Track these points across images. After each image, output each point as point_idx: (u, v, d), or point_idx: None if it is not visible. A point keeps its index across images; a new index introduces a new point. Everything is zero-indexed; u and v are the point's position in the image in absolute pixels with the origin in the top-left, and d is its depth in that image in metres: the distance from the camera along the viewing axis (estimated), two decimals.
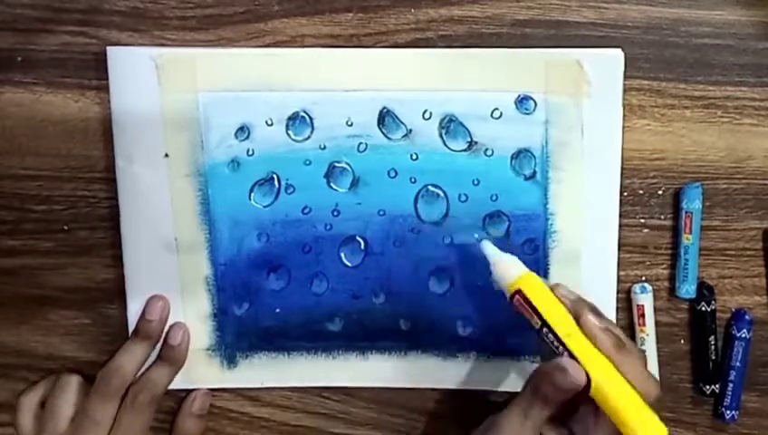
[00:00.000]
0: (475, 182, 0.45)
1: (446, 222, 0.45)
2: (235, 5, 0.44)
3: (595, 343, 0.37)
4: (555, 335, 0.37)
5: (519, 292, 0.39)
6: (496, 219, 0.45)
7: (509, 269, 0.40)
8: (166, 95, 0.43)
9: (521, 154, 0.44)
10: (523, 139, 0.44)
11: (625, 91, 0.44)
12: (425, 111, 0.44)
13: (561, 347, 0.37)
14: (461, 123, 0.44)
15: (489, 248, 0.42)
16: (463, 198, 0.45)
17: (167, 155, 0.44)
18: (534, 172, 0.44)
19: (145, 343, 0.45)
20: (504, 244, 0.44)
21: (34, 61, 0.45)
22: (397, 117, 0.44)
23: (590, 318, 0.37)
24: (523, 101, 0.44)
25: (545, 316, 0.38)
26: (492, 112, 0.44)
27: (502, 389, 0.47)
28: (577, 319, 0.38)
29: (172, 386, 0.47)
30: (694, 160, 0.45)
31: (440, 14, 0.44)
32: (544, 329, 0.38)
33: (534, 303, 0.38)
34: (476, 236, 0.45)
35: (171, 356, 0.46)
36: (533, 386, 0.37)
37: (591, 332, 0.37)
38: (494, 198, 0.45)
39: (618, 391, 0.36)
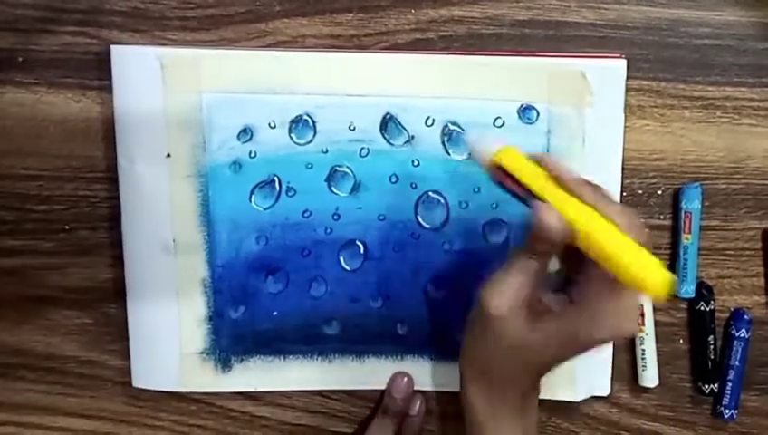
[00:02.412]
0: (476, 190, 0.45)
1: (446, 228, 0.45)
2: (235, 6, 0.44)
3: (576, 194, 0.35)
4: (535, 196, 0.35)
5: (499, 166, 0.37)
6: (496, 227, 0.45)
7: (489, 147, 0.37)
8: (169, 95, 0.43)
9: None
10: (524, 148, 0.43)
11: (625, 91, 0.44)
12: (427, 118, 0.44)
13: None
14: (463, 131, 0.44)
15: (470, 136, 0.41)
16: (463, 205, 0.45)
17: (168, 155, 0.44)
18: None
19: (393, 419, 0.46)
20: (503, 251, 0.45)
21: (35, 61, 0.45)
22: (399, 123, 0.44)
23: (567, 172, 0.35)
24: (525, 111, 0.44)
25: (523, 179, 0.36)
26: (494, 121, 0.44)
27: None
28: (556, 179, 0.36)
29: (167, 388, 0.47)
30: (693, 160, 0.45)
31: (440, 15, 0.44)
32: (525, 192, 0.36)
33: (513, 169, 0.36)
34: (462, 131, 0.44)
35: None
36: (524, 244, 0.36)
37: (570, 184, 0.35)
38: (494, 205, 0.45)
39: (608, 236, 0.33)
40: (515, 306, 0.36)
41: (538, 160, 0.36)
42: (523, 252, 0.37)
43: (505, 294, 0.36)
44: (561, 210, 0.34)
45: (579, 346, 0.36)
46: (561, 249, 0.35)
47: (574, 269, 0.37)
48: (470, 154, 0.41)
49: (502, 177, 0.37)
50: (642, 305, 0.46)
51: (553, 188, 0.35)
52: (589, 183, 0.35)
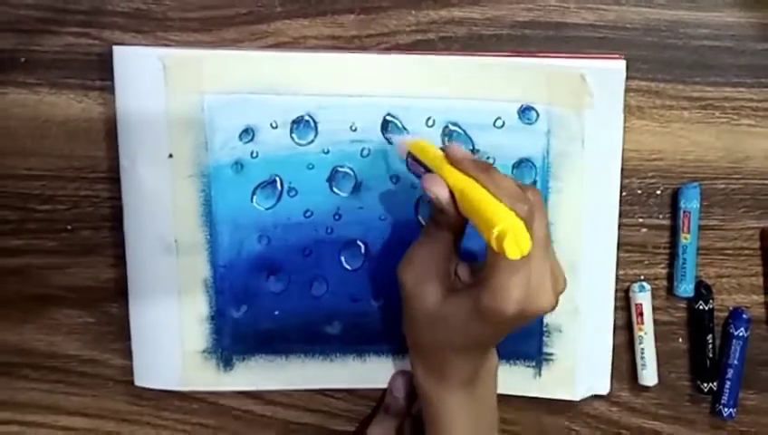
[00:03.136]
0: None
1: None
2: (237, 7, 0.44)
3: (460, 167, 0.36)
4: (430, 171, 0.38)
5: (409, 154, 0.41)
6: None
7: (404, 140, 0.42)
8: (171, 96, 0.44)
9: (522, 163, 0.45)
10: (524, 148, 0.44)
11: (624, 92, 0.44)
12: (428, 119, 0.44)
13: None
14: (464, 131, 0.44)
15: (395, 137, 0.44)
16: None
17: (171, 155, 0.44)
18: (535, 182, 0.45)
19: (394, 418, 0.46)
20: None
21: (38, 62, 0.45)
22: (400, 123, 0.44)
23: (455, 150, 0.37)
24: (525, 112, 0.44)
25: (421, 159, 0.39)
26: (494, 122, 0.44)
27: (498, 392, 0.47)
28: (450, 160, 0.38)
29: (169, 387, 0.47)
30: (692, 161, 0.46)
31: (441, 16, 0.44)
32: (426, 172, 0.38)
33: (419, 156, 0.40)
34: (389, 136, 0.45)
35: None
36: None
37: (455, 157, 0.37)
38: None
39: (477, 198, 0.35)
40: (426, 278, 0.38)
41: (444, 149, 0.39)
42: (430, 225, 0.39)
43: (415, 265, 0.39)
44: (445, 179, 0.36)
45: (488, 319, 0.36)
46: (456, 218, 0.36)
47: None
48: (395, 150, 0.44)
49: (413, 163, 0.40)
50: (642, 304, 0.46)
51: (447, 166, 0.37)
52: (476, 160, 0.37)
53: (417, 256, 0.39)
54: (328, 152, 0.45)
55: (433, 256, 0.39)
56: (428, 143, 0.40)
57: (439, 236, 0.38)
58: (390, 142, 0.45)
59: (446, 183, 0.36)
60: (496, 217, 0.33)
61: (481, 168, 0.36)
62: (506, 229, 0.32)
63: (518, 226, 0.32)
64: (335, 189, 0.45)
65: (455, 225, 0.38)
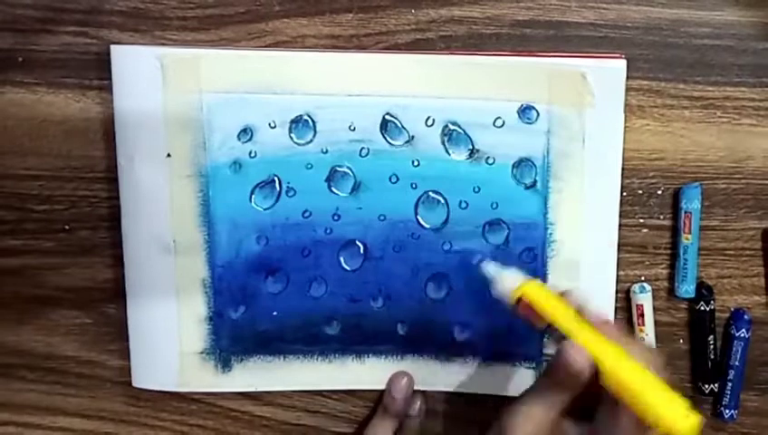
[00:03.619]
0: (476, 190, 0.45)
1: (446, 228, 0.45)
2: (235, 6, 0.44)
3: (600, 331, 0.36)
4: (561, 331, 0.37)
5: (523, 297, 0.39)
6: (496, 227, 0.45)
7: (512, 279, 0.41)
8: (169, 95, 0.43)
9: (522, 163, 0.44)
10: (524, 148, 0.44)
11: (625, 91, 0.44)
12: (427, 118, 0.44)
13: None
14: (463, 131, 0.44)
15: (491, 266, 0.43)
16: (463, 205, 0.45)
17: (169, 155, 0.44)
18: (535, 181, 0.45)
19: (393, 419, 0.46)
20: (502, 252, 0.45)
21: (35, 61, 0.45)
22: (399, 123, 0.44)
23: (593, 311, 0.37)
24: (525, 111, 0.44)
25: (550, 314, 0.37)
26: (494, 121, 0.44)
27: (498, 393, 0.47)
28: (580, 314, 0.37)
29: (167, 388, 0.47)
30: (693, 160, 0.45)
31: (440, 15, 0.44)
32: (551, 327, 0.37)
33: (539, 303, 0.38)
34: (479, 256, 0.45)
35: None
36: (546, 373, 0.37)
37: (598, 323, 0.37)
38: (494, 205, 0.45)
39: (634, 375, 0.34)
40: None
41: (562, 295, 0.38)
42: (548, 383, 0.37)
43: (529, 424, 0.37)
44: (588, 348, 0.35)
45: None
46: (584, 385, 0.35)
47: (595, 402, 0.36)
48: (490, 286, 0.42)
49: (526, 310, 0.38)
50: (643, 305, 0.46)
51: (579, 325, 0.36)
52: (610, 322, 0.36)
53: (530, 415, 0.37)
54: (327, 152, 0.44)
55: (548, 417, 0.36)
56: (546, 288, 0.39)
57: (558, 399, 0.36)
58: (390, 143, 0.44)
59: (588, 351, 0.35)
60: (667, 406, 0.32)
61: (620, 333, 0.35)
62: (693, 423, 0.32)
63: (691, 414, 0.32)
64: (334, 189, 0.45)
65: (580, 389, 0.36)
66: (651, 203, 0.46)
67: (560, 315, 0.37)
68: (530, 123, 0.44)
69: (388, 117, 0.44)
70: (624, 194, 0.45)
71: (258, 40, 0.44)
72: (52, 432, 0.49)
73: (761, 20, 0.44)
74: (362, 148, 0.44)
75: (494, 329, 0.46)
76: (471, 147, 0.44)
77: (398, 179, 0.45)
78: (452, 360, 0.47)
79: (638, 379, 0.33)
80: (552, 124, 0.44)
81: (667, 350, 0.48)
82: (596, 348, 0.35)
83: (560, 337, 0.37)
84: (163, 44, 0.44)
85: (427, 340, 0.47)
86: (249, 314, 0.46)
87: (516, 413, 0.37)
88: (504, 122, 0.44)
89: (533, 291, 0.39)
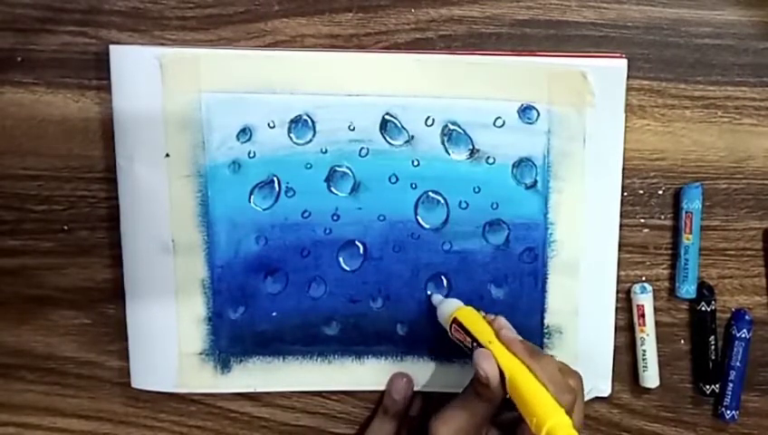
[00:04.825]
0: (476, 190, 0.45)
1: (446, 229, 0.45)
2: (234, 5, 0.44)
3: (511, 349, 0.39)
4: (480, 345, 0.39)
5: (455, 320, 0.42)
6: (496, 227, 0.45)
7: (450, 306, 0.43)
8: (168, 95, 0.43)
9: (522, 163, 0.44)
10: (524, 148, 0.44)
11: (625, 91, 0.44)
12: (427, 118, 0.44)
13: None
14: (463, 131, 0.44)
15: (435, 297, 0.45)
16: (463, 205, 0.45)
17: (167, 155, 0.44)
18: (535, 181, 0.45)
19: (393, 420, 0.46)
20: (502, 252, 0.45)
21: (35, 61, 0.45)
22: (399, 123, 0.44)
23: (507, 331, 0.40)
24: (525, 111, 0.44)
25: (472, 332, 0.40)
26: (494, 121, 0.44)
27: None
28: (497, 334, 0.40)
29: (166, 389, 0.47)
30: (694, 160, 0.45)
31: (440, 14, 0.44)
32: (473, 344, 0.40)
33: (465, 324, 0.41)
34: (429, 292, 0.46)
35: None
36: (470, 383, 0.40)
37: (507, 340, 0.39)
38: (494, 206, 0.45)
39: (526, 385, 0.37)
40: None
41: (490, 321, 0.41)
42: (469, 392, 0.40)
43: (450, 426, 0.40)
44: (498, 361, 0.38)
45: None
46: (500, 395, 0.38)
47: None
48: (435, 311, 0.44)
49: (458, 330, 0.42)
50: (643, 305, 0.46)
51: (497, 343, 0.39)
52: (525, 343, 0.39)
53: (453, 418, 0.40)
54: (326, 152, 0.44)
55: (469, 423, 0.39)
56: (476, 313, 0.42)
57: (479, 407, 0.39)
58: (390, 143, 0.44)
59: (497, 362, 0.38)
60: (546, 412, 0.35)
61: (531, 352, 0.38)
62: (556, 428, 0.34)
63: (566, 424, 0.34)
64: (333, 189, 0.45)
65: (497, 400, 0.39)
66: (652, 203, 0.46)
67: (478, 333, 0.40)
68: (530, 123, 0.44)
69: (387, 117, 0.44)
70: (625, 194, 0.45)
71: (257, 40, 0.44)
72: (51, 433, 0.49)
73: (761, 20, 0.44)
74: (362, 148, 0.44)
75: None
76: (471, 147, 0.44)
77: (397, 179, 0.45)
78: (452, 360, 0.47)
79: (527, 385, 0.37)
80: (552, 124, 0.44)
81: (668, 350, 0.47)
82: (502, 358, 0.38)
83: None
84: (162, 44, 0.44)
85: (427, 340, 0.46)
86: (248, 314, 0.46)
87: (442, 417, 0.40)
88: (504, 122, 0.44)
89: (463, 315, 0.42)
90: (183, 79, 0.43)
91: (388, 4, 0.44)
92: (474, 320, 0.41)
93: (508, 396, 0.38)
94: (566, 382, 0.38)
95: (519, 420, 0.38)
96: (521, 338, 0.40)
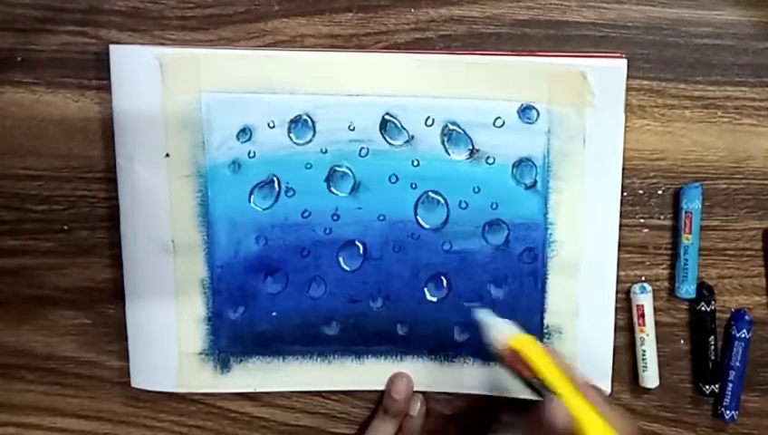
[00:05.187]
0: (476, 190, 0.45)
1: (446, 229, 0.45)
2: (234, 5, 0.44)
3: (582, 393, 0.38)
4: (550, 388, 0.38)
5: (514, 350, 0.40)
6: (496, 227, 0.45)
7: (505, 330, 0.41)
8: (168, 95, 0.43)
9: (522, 163, 0.44)
10: (524, 148, 0.44)
11: (625, 91, 0.44)
12: (427, 118, 0.44)
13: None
14: (463, 131, 0.44)
15: (484, 314, 0.43)
16: (463, 205, 0.45)
17: (167, 155, 0.44)
18: (535, 181, 0.45)
19: (393, 420, 0.46)
20: (502, 252, 0.45)
21: (34, 61, 0.45)
22: (399, 123, 0.44)
23: (579, 373, 0.39)
24: (525, 111, 0.44)
25: (541, 372, 0.39)
26: (494, 121, 0.44)
27: (498, 394, 0.47)
28: (566, 374, 0.39)
29: (166, 389, 0.47)
30: (694, 160, 0.45)
31: (440, 14, 0.44)
32: (536, 381, 0.39)
33: (531, 359, 0.39)
34: (473, 307, 0.45)
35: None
36: (528, 424, 0.38)
37: (578, 384, 0.38)
38: (494, 206, 0.45)
39: None
40: None
41: (551, 353, 0.39)
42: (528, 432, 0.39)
43: None
44: (570, 407, 0.36)
45: None
46: None
47: None
48: (482, 333, 0.42)
49: (515, 362, 0.39)
50: (643, 305, 0.46)
51: (566, 385, 0.38)
52: (594, 387, 0.38)
53: None
54: (326, 152, 0.44)
55: None
56: (538, 344, 0.40)
57: None
58: (390, 143, 0.44)
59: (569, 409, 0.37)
60: None
61: (600, 398, 0.37)
62: None
63: None
64: (333, 189, 0.45)
65: None
66: (652, 203, 0.46)
67: (549, 374, 0.38)
68: (530, 123, 0.44)
69: (387, 117, 0.44)
70: (624, 194, 0.45)
71: (257, 39, 0.44)
72: (51, 433, 0.49)
73: (761, 20, 0.44)
74: (362, 148, 0.44)
75: None
76: (471, 147, 0.44)
77: (397, 179, 0.45)
78: (452, 360, 0.47)
79: None
80: (552, 124, 0.44)
81: (668, 350, 0.47)
82: (579, 411, 0.37)
83: (541, 391, 0.39)
84: (162, 44, 0.44)
85: (427, 340, 0.46)
86: (248, 314, 0.46)
87: None
88: (503, 122, 0.44)
89: (525, 346, 0.40)
90: (183, 79, 0.43)
91: (388, 4, 0.44)
92: (538, 355, 0.39)
93: None
94: (636, 430, 0.37)
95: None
96: (592, 383, 0.39)
